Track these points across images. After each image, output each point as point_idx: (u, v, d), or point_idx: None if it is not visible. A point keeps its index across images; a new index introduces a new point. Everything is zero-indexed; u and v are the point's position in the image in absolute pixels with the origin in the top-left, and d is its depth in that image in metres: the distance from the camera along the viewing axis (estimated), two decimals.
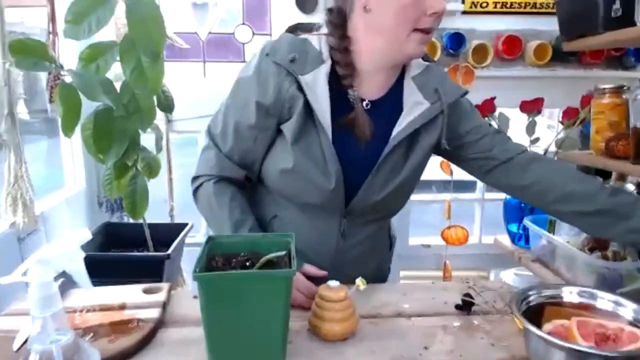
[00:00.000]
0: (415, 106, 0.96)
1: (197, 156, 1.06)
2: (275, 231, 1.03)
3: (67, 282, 0.68)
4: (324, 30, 0.97)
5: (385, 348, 0.81)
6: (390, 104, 0.98)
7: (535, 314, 0.79)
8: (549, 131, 2.05)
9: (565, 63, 2.06)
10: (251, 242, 0.84)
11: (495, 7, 2.06)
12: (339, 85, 0.94)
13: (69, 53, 1.65)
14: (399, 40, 0.90)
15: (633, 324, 0.74)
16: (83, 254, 0.62)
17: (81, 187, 1.86)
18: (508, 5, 2.06)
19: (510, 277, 1.57)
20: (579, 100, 1.81)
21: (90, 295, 0.96)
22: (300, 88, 0.91)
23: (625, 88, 1.41)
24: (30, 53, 1.17)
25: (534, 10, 2.07)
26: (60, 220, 1.68)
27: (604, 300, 0.80)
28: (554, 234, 1.45)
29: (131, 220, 1.80)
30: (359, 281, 0.83)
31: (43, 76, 1.50)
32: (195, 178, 1.04)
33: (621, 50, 2.07)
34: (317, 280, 0.94)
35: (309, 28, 1.01)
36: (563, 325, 0.75)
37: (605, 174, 1.65)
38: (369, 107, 0.97)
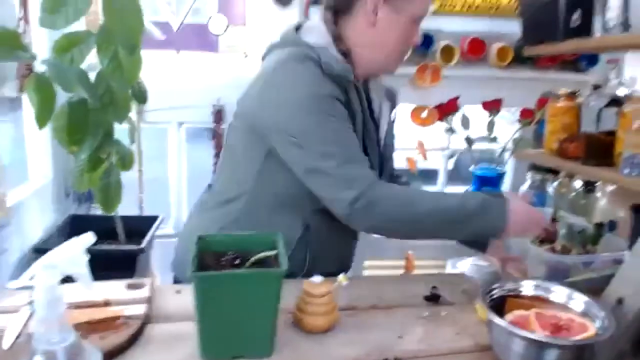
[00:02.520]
0: (383, 106, 1.17)
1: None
2: None
3: None
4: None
5: (364, 338, 0.88)
6: None
7: (498, 306, 0.88)
8: (509, 126, 2.18)
9: (523, 65, 2.18)
10: (238, 241, 0.88)
11: (462, 8, 2.15)
12: None
13: (38, 42, 1.58)
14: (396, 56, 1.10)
15: (583, 315, 0.84)
16: (86, 258, 0.64)
17: (48, 179, 1.79)
18: (474, 7, 2.15)
19: (467, 267, 1.70)
20: (534, 101, 1.93)
21: (72, 291, 0.96)
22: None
23: (577, 93, 1.53)
24: (3, 42, 1.12)
25: (497, 13, 2.17)
26: (29, 213, 1.63)
27: (558, 293, 0.89)
28: None
29: (98, 212, 1.75)
30: (342, 277, 0.89)
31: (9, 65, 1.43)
32: (351, 200, 0.95)
33: (576, 55, 2.21)
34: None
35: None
36: (522, 316, 0.84)
37: (555, 170, 1.78)
38: None
